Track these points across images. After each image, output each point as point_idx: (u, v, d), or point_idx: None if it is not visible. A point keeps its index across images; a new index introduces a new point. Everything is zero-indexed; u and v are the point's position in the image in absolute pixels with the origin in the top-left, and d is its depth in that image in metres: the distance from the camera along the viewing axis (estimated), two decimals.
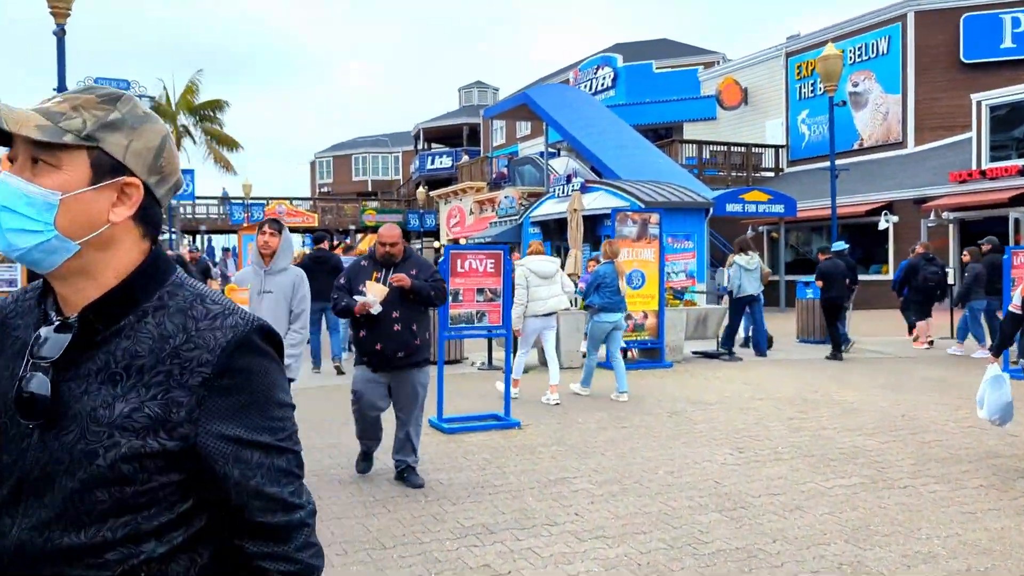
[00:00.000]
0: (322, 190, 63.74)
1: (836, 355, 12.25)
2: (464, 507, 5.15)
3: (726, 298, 13.12)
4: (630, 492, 5.47)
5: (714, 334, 12.69)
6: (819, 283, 12.57)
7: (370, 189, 60.50)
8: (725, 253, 15.56)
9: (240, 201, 36.02)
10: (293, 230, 46.52)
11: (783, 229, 24.08)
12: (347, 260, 13.16)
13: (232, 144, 36.41)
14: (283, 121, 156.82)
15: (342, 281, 5.57)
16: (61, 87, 9.35)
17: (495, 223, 27.76)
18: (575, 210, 12.66)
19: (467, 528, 4.76)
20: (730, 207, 21.67)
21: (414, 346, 5.42)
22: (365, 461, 5.91)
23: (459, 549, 4.44)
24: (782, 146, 29.60)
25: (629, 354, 12.03)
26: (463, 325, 7.31)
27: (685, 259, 19.71)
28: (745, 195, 22.08)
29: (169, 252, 13.08)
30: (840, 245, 13.87)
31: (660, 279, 11.61)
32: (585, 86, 37.44)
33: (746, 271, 12.33)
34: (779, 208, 22.30)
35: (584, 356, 10.14)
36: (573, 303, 11.22)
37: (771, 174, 29.36)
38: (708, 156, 29.14)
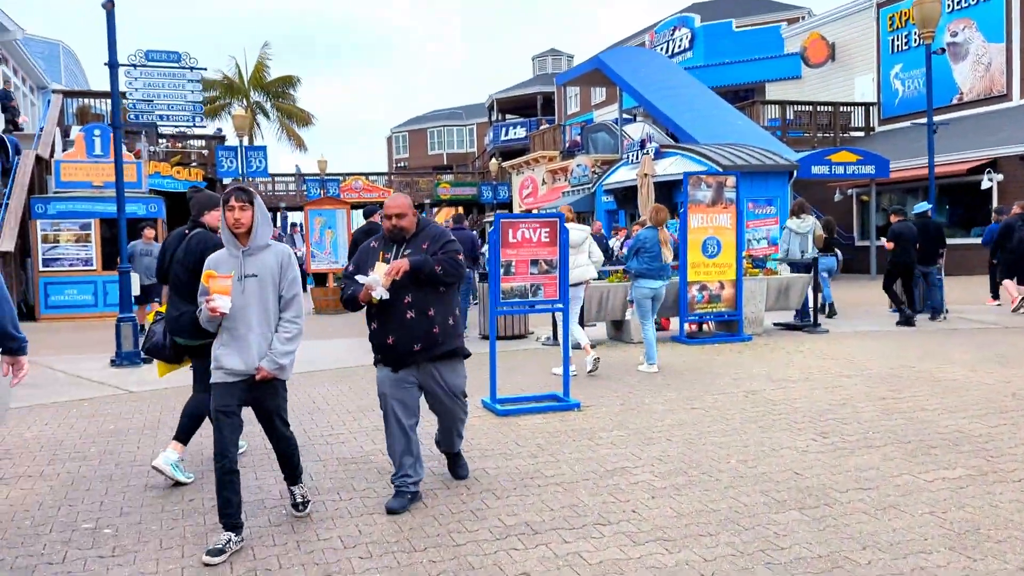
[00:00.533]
0: (398, 165, 64.02)
1: (906, 320, 11.83)
2: (509, 502, 4.65)
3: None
4: (696, 485, 4.87)
5: (797, 305, 11.82)
6: (889, 245, 12.33)
7: (445, 162, 60.44)
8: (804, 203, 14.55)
9: (316, 177, 36.15)
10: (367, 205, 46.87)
11: (874, 191, 22.67)
12: None
13: (304, 120, 36.55)
14: (360, 97, 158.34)
15: (350, 268, 4.67)
16: (112, 61, 9.14)
17: (567, 192, 27.07)
18: (645, 175, 11.92)
19: (509, 527, 4.26)
20: (816, 169, 20.47)
21: (433, 336, 4.48)
22: (398, 497, 4.54)
23: (497, 553, 3.94)
24: (873, 104, 27.89)
25: (705, 327, 11.31)
26: (516, 300, 6.77)
27: (767, 225, 18.70)
28: (832, 156, 20.81)
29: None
30: (923, 206, 12.83)
31: (738, 247, 10.82)
32: (661, 49, 36.17)
33: (796, 235, 12.08)
34: (869, 169, 20.96)
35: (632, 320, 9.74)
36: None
37: (860, 134, 27.73)
38: (792, 117, 27.72)
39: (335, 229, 16.32)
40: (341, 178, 42.07)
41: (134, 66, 9.83)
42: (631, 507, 4.51)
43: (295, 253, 12.42)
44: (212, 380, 4.10)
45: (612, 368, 8.84)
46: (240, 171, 23.12)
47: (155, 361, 5.55)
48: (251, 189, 4.22)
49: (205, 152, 25.58)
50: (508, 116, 52.27)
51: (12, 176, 16.36)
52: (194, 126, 9.43)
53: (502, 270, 6.68)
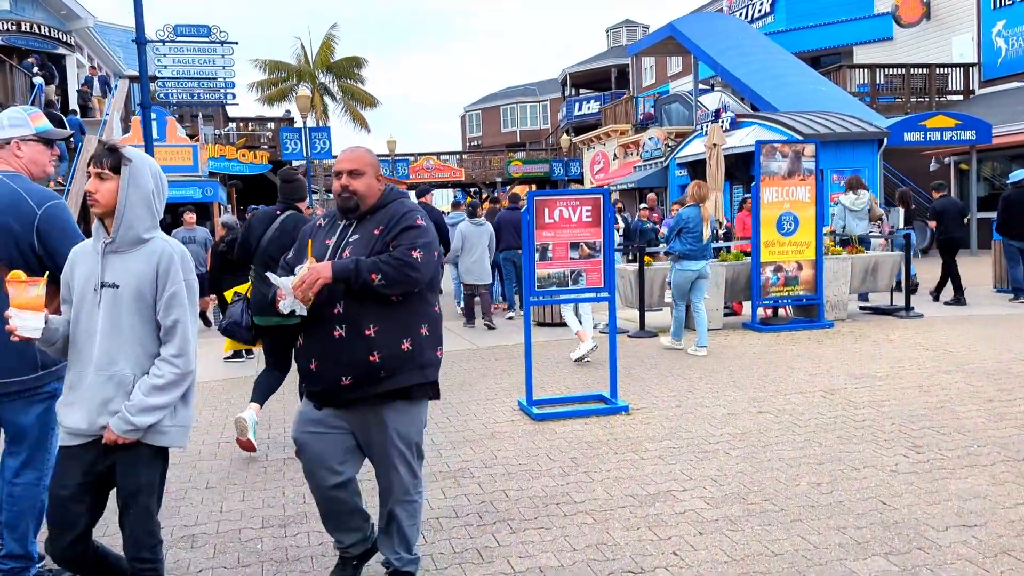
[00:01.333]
0: (472, 144, 63.55)
1: (958, 299, 11.12)
2: (525, 537, 3.88)
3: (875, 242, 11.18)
4: (755, 516, 4.00)
5: (887, 286, 10.64)
6: (932, 224, 11.73)
7: (519, 140, 59.63)
8: (902, 189, 13.23)
9: (385, 158, 35.87)
10: (441, 185, 46.64)
11: (974, 159, 20.83)
12: (465, 219, 12.08)
13: (369, 101, 36.23)
14: (433, 77, 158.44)
15: (289, 255, 3.35)
16: (140, 38, 8.67)
17: (639, 167, 25.94)
18: (714, 145, 10.88)
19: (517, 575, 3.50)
20: (909, 136, 18.89)
21: (370, 366, 3.01)
22: (342, 568, 3.41)
23: None
24: (973, 64, 25.73)
25: (781, 312, 10.27)
26: (554, 288, 5.97)
27: None
28: (927, 121, 19.18)
29: (319, 211, 11.99)
30: (1020, 174, 11.38)
31: (817, 223, 9.72)
32: (740, 14, 34.36)
33: (851, 211, 11.13)
34: (969, 135, 19.23)
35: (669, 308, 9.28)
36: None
37: (959, 97, 25.64)
38: (883, 81, 25.83)
39: None
40: (412, 158, 41.85)
41: (163, 42, 9.38)
42: (672, 547, 3.69)
43: None
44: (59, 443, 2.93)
45: (673, 360, 7.96)
46: (304, 153, 22.84)
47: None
48: (125, 149, 2.84)
49: (270, 135, 25.42)
50: (582, 91, 51.02)
51: (75, 160, 16.35)
52: (225, 102, 8.91)
53: (537, 255, 5.88)
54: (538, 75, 78.29)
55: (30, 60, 21.75)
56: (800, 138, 15.28)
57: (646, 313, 9.80)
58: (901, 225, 12.02)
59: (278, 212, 5.22)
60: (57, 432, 3.02)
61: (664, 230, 10.87)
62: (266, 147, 27.43)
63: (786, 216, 9.60)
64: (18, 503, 3.16)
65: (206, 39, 9.05)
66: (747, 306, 10.43)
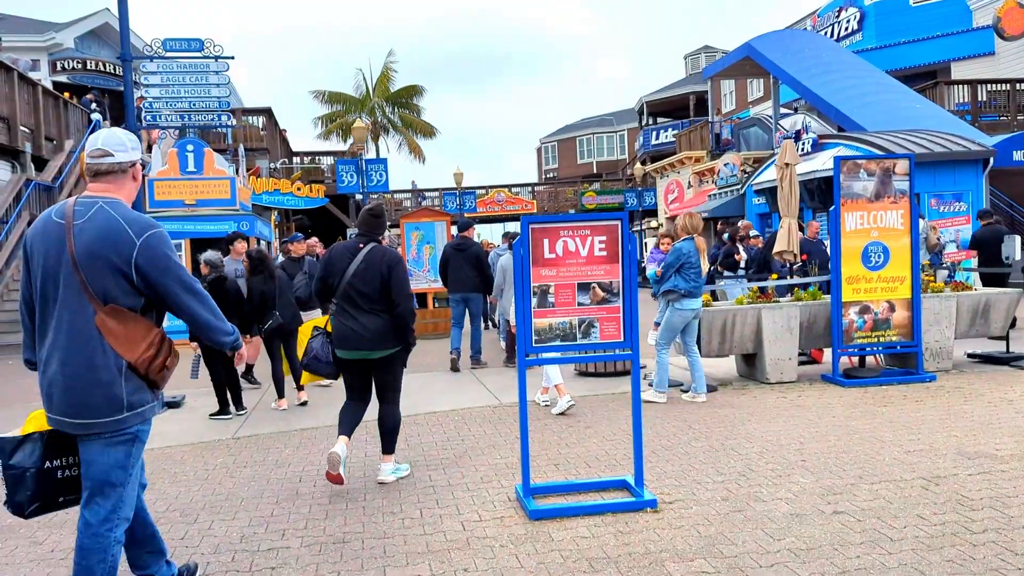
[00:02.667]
0: (548, 175, 62.72)
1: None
2: None
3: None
4: None
5: (1002, 329, 8.83)
6: (967, 255, 10.69)
7: (595, 171, 58.49)
8: (1012, 217, 11.41)
9: (452, 191, 35.10)
10: (511, 218, 45.64)
11: None
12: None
13: (427, 131, 35.51)
14: (511, 108, 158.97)
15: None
16: (125, 54, 7.78)
17: (713, 195, 24.26)
18: (787, 165, 9.30)
19: None
20: (1019, 155, 16.77)
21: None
22: None
23: None
24: None
25: (871, 361, 8.60)
26: (557, 344, 4.58)
27: (956, 225, 15.33)
28: None
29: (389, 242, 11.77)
30: None
31: (914, 254, 8.06)
32: (825, 33, 32.40)
33: None
34: None
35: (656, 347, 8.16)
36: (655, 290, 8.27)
37: None
38: (984, 98, 23.54)
39: (434, 244, 14.58)
40: (484, 191, 41.01)
41: (150, 58, 8.47)
42: None
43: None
44: None
45: (729, 425, 6.43)
46: (360, 185, 22.08)
47: None
48: None
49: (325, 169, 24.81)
50: (659, 119, 49.52)
51: None
52: (219, 125, 7.94)
53: (535, 300, 4.52)
54: (616, 105, 76.92)
55: (88, 97, 21.71)
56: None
57: (704, 363, 8.27)
58: (1018, 256, 10.17)
59: (360, 245, 5.15)
60: (137, 479, 3.04)
61: (652, 266, 9.64)
62: (331, 181, 26.90)
63: (874, 247, 7.98)
64: (87, 556, 2.94)
65: (198, 54, 8.13)
66: (828, 353, 8.80)
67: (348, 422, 5.17)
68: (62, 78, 23.55)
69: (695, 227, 7.52)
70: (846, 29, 32.12)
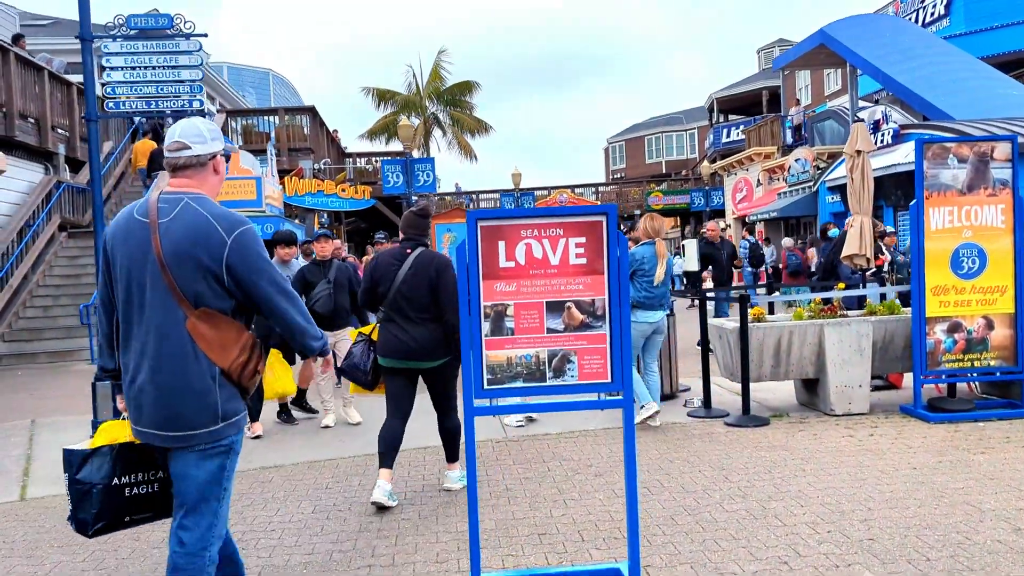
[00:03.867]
0: (615, 176, 61.30)
1: None
2: None
3: None
4: None
5: None
6: None
7: (664, 171, 56.82)
8: None
9: (510, 192, 34.03)
10: None
11: None
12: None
13: (480, 128, 34.35)
14: (582, 110, 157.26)
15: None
16: (85, 33, 6.88)
17: (783, 193, 22.51)
18: (858, 152, 7.82)
19: None
20: None
21: None
22: None
23: None
24: None
25: (963, 389, 7.10)
26: (519, 385, 3.34)
27: None
28: None
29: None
30: None
31: (1017, 259, 6.53)
32: (908, 20, 30.17)
33: None
34: None
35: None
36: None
37: None
38: None
39: None
40: (546, 192, 39.82)
41: (112, 38, 7.53)
42: None
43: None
44: None
45: (778, 471, 5.08)
46: (407, 185, 21.17)
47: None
48: None
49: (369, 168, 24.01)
50: (731, 116, 47.51)
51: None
52: (191, 112, 7.00)
53: (487, 324, 3.30)
54: (686, 103, 74.71)
55: None
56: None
57: (754, 387, 6.92)
58: None
59: (408, 251, 4.91)
60: (231, 494, 2.93)
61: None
62: (367, 180, 26.19)
63: (966, 250, 6.48)
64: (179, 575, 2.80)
65: (168, 31, 7.17)
66: (908, 378, 7.32)
67: (388, 448, 4.84)
68: None
69: (656, 230, 6.84)
70: (932, 15, 29.81)
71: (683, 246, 8.57)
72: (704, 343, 7.51)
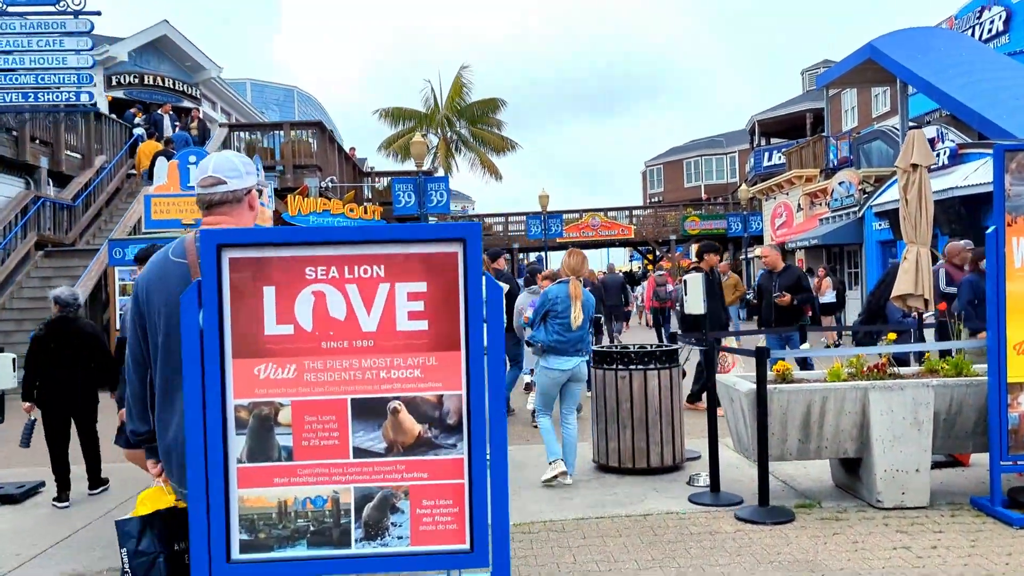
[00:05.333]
0: (652, 199, 59.74)
1: None
2: None
3: None
4: None
5: None
6: None
7: (703, 195, 55.11)
8: None
9: (537, 215, 32.61)
10: (606, 244, 42.63)
11: None
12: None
13: (504, 147, 32.95)
14: (624, 132, 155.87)
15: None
16: None
17: (825, 219, 20.74)
18: (913, 166, 6.22)
19: None
20: None
21: None
22: None
23: None
24: None
25: None
26: (300, 554, 1.86)
27: None
28: None
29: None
30: None
31: None
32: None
33: None
34: None
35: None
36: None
37: None
38: None
39: None
40: (578, 215, 38.34)
41: None
42: None
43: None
44: None
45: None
46: (419, 206, 19.92)
47: None
48: None
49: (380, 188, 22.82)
50: (773, 140, 45.65)
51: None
52: (78, 105, 5.76)
53: (242, 442, 1.82)
54: (729, 125, 72.81)
55: (132, 111, 20.44)
56: None
57: (772, 468, 5.32)
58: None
59: None
60: None
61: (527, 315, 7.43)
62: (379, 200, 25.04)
63: None
64: None
65: (52, 7, 5.95)
66: (981, 459, 5.65)
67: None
68: (119, 93, 22.45)
69: (574, 268, 6.32)
70: (989, 31, 27.92)
71: (684, 282, 6.95)
72: (711, 398, 5.93)
